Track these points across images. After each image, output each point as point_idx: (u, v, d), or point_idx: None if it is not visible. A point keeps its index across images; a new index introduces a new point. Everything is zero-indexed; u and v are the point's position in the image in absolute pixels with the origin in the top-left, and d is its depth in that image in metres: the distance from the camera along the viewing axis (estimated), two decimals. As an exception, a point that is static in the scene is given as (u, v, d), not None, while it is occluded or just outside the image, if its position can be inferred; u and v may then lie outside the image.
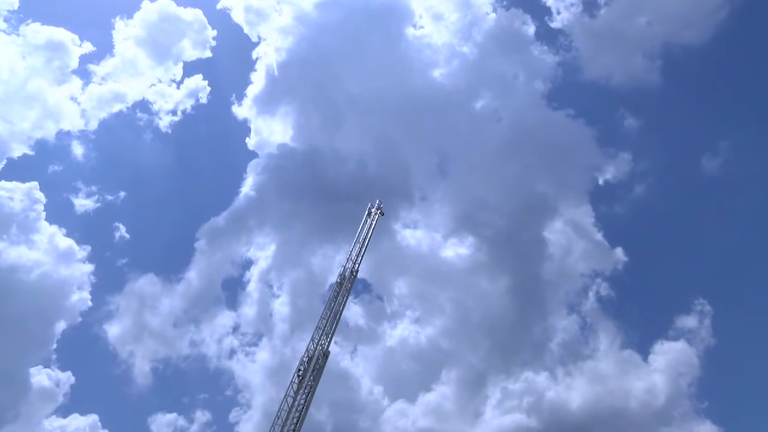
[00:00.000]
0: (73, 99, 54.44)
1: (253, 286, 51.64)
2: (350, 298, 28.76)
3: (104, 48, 57.09)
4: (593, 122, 59.61)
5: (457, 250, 53.09)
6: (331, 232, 51.48)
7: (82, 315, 46.27)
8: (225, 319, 49.52)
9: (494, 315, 48.52)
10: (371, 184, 52.98)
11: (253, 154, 58.78)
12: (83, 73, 55.78)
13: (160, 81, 59.09)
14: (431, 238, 55.06)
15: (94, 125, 55.45)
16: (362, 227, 30.99)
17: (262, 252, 53.35)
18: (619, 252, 51.80)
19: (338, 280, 28.32)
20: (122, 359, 46.90)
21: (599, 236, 52.87)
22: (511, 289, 49.40)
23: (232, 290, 51.98)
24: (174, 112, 59.70)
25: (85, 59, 55.67)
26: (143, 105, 58.73)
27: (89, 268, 48.17)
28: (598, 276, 51.20)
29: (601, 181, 56.75)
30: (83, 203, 52.69)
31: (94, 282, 48.12)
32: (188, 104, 60.18)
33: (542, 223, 52.69)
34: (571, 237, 52.93)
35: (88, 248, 49.50)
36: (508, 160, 55.69)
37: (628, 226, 59.10)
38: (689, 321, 48.45)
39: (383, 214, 32.31)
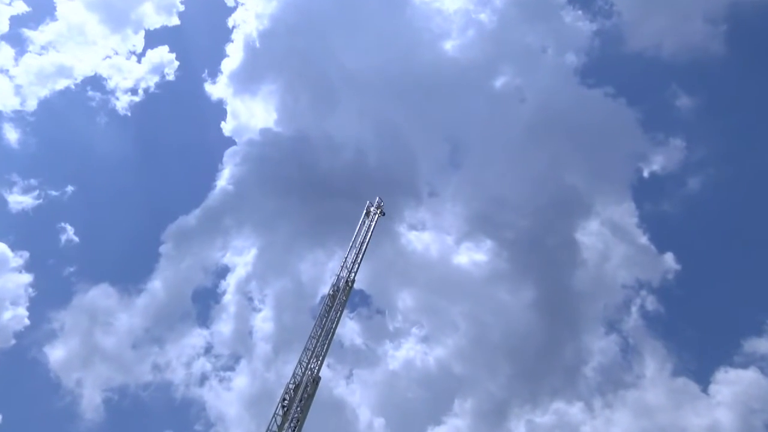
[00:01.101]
0: (4, 72, 55.52)
1: (229, 299, 53.19)
2: (345, 312, 29.46)
3: (43, 9, 58.26)
4: (638, 102, 61.05)
5: (472, 256, 54.26)
6: (323, 234, 52.58)
7: (16, 336, 47.35)
8: (195, 338, 50.86)
9: (517, 333, 49.47)
10: (370, 178, 54.05)
11: (230, 142, 60.32)
12: (15, 40, 56.16)
13: (116, 53, 60.67)
14: (441, 241, 56.18)
15: (32, 105, 56.75)
16: (359, 229, 31.70)
17: (241, 258, 54.58)
18: (668, 258, 52.89)
19: (331, 291, 28.89)
20: (67, 389, 47.10)
21: (644, 239, 54.11)
22: (537, 302, 50.30)
23: (204, 303, 53.31)
24: (134, 91, 61.14)
25: (17, 22, 56.11)
26: (95, 81, 60.24)
27: (27, 278, 49.72)
28: (643, 287, 52.12)
29: (646, 173, 57.73)
30: (19, 200, 53.71)
31: (33, 295, 49.48)
32: (151, 81, 61.73)
33: (574, 224, 53.94)
34: (609, 240, 54.20)
35: (26, 254, 50.84)
36: (533, 149, 57.04)
37: (679, 228, 59.81)
38: (761, 345, 47.87)
39: (384, 214, 32.94)
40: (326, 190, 54.53)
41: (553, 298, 51.07)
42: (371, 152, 57.08)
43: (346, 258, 30.15)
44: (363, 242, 30.98)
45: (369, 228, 31.88)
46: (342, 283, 29.11)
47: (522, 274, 52.67)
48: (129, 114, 61.48)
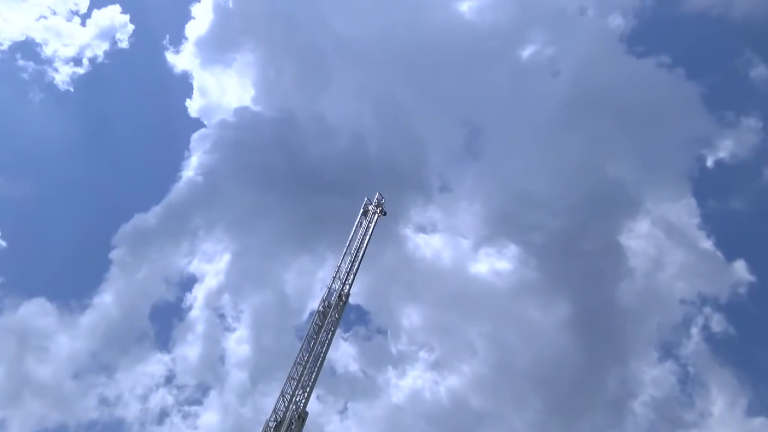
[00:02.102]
0: None
1: (196, 315, 53.37)
2: (339, 332, 29.26)
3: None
4: (701, 74, 60.24)
5: (493, 264, 54.23)
6: (312, 237, 52.46)
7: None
8: (154, 365, 50.83)
9: (549, 359, 49.04)
10: (369, 169, 53.82)
11: (198, 124, 60.65)
12: None
13: (53, 12, 60.07)
14: (456, 246, 56.07)
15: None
16: (356, 231, 31.69)
17: (211, 265, 54.79)
18: (739, 267, 52.41)
19: (321, 307, 28.83)
20: (-12, 430, 45.90)
21: (708, 244, 53.97)
22: (574, 321, 49.91)
23: (165, 322, 53.33)
24: (77, 61, 60.80)
25: None
26: (27, 47, 59.54)
27: (-61, 291, 48.59)
28: (707, 303, 51.73)
29: (710, 162, 57.29)
30: (-70, 197, 53.30)
31: (-53, 312, 48.37)
32: (99, 49, 61.59)
33: (620, 225, 53.73)
34: (663, 244, 54.07)
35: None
36: (568, 134, 56.75)
37: (752, 229, 58.05)
38: None
39: (385, 213, 32.84)
40: (316, 183, 54.53)
41: (594, 316, 50.80)
42: (371, 138, 57.02)
43: (339, 266, 30.16)
44: (360, 247, 30.91)
45: (367, 230, 31.81)
46: (334, 297, 29.04)
47: (554, 286, 52.51)
48: (71, 89, 61.34)
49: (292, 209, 55.16)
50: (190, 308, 53.91)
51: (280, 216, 55.09)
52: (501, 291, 53.40)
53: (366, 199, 33.26)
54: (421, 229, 57.03)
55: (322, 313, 28.60)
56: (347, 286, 29.50)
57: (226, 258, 54.74)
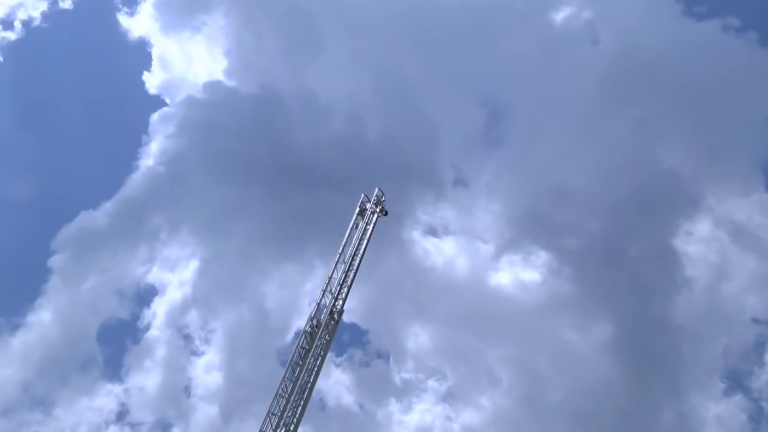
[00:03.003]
0: None
1: (156, 336, 52.82)
2: (330, 357, 29.27)
3: None
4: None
5: (518, 274, 53.66)
6: (298, 241, 51.99)
7: None
8: (103, 397, 50.05)
9: (588, 390, 48.21)
10: (368, 159, 53.11)
11: (158, 102, 60.16)
12: None
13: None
14: (473, 252, 55.47)
15: None
16: (350, 234, 31.46)
17: (175, 274, 54.50)
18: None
19: (308, 328, 28.47)
20: None
21: (785, 249, 52.63)
22: (618, 343, 48.86)
23: (116, 345, 52.71)
24: (7, 24, 60.01)
25: None
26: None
27: None
28: (786, 323, 50.46)
29: (791, 148, 56.20)
30: None
31: None
32: (35, 10, 60.69)
33: (674, 226, 52.75)
34: (728, 250, 53.11)
35: None
36: (611, 114, 55.81)
37: None
38: None
39: (387, 213, 32.51)
40: (303, 175, 53.98)
41: (642, 338, 49.72)
42: (370, 120, 56.28)
43: (331, 276, 29.87)
44: (356, 254, 30.58)
45: (365, 233, 31.45)
46: (325, 315, 28.68)
47: (594, 301, 51.72)
48: (0, 59, 60.43)
49: (274, 207, 54.74)
50: (148, 327, 53.59)
51: (259, 215, 54.73)
52: (528, 307, 52.79)
53: (363, 195, 32.86)
54: (431, 231, 56.58)
55: (310, 334, 28.25)
56: (340, 301, 29.11)
57: (194, 265, 54.41)
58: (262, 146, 55.82)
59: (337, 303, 28.98)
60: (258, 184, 55.57)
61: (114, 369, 51.79)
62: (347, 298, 29.31)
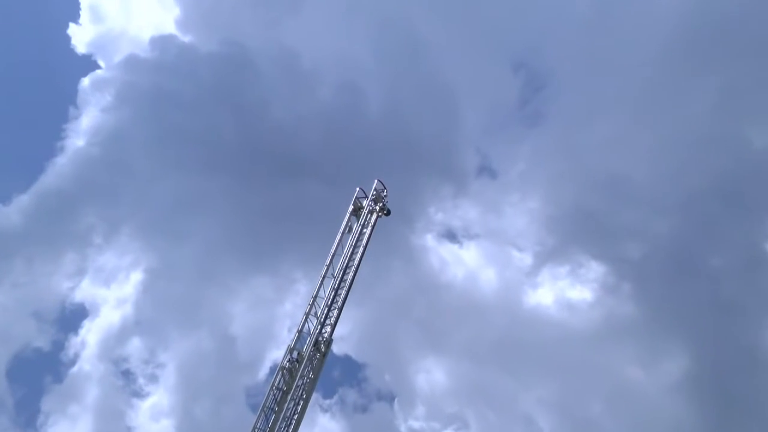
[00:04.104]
0: None
1: (85, 371, 45.73)
2: (315, 398, 27.49)
3: None
4: None
5: (563, 291, 46.59)
6: (274, 248, 45.32)
7: None
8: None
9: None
10: (365, 141, 46.36)
11: (89, 63, 53.64)
12: None
13: None
14: (504, 262, 48.93)
15: None
16: (341, 238, 28.22)
17: (111, 290, 47.64)
18: None
19: (286, 363, 25.00)
20: None
21: None
22: (695, 380, 42.24)
23: (32, 383, 45.41)
24: None
25: None
26: None
27: None
28: None
29: None
30: None
31: None
32: None
33: (764, 225, 43.91)
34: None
35: None
36: (682, 85, 47.76)
37: None
38: None
39: (389, 212, 29.45)
40: (282, 162, 47.65)
41: (725, 373, 42.57)
42: (368, 89, 49.84)
43: (316, 295, 26.56)
44: (349, 265, 27.31)
45: (360, 237, 28.15)
46: (309, 344, 25.32)
47: (662, 325, 44.69)
48: None
49: (242, 202, 48.62)
50: (75, 360, 47.66)
51: (223, 212, 48.59)
52: (576, 333, 46.87)
53: (359, 188, 29.24)
54: (449, 235, 51.04)
55: (289, 370, 24.93)
56: (328, 327, 25.88)
57: (136, 278, 48.38)
58: (226, 122, 49.46)
59: (324, 330, 25.75)
60: (221, 171, 49.32)
61: (29, 416, 45.71)
62: (337, 324, 26.05)
